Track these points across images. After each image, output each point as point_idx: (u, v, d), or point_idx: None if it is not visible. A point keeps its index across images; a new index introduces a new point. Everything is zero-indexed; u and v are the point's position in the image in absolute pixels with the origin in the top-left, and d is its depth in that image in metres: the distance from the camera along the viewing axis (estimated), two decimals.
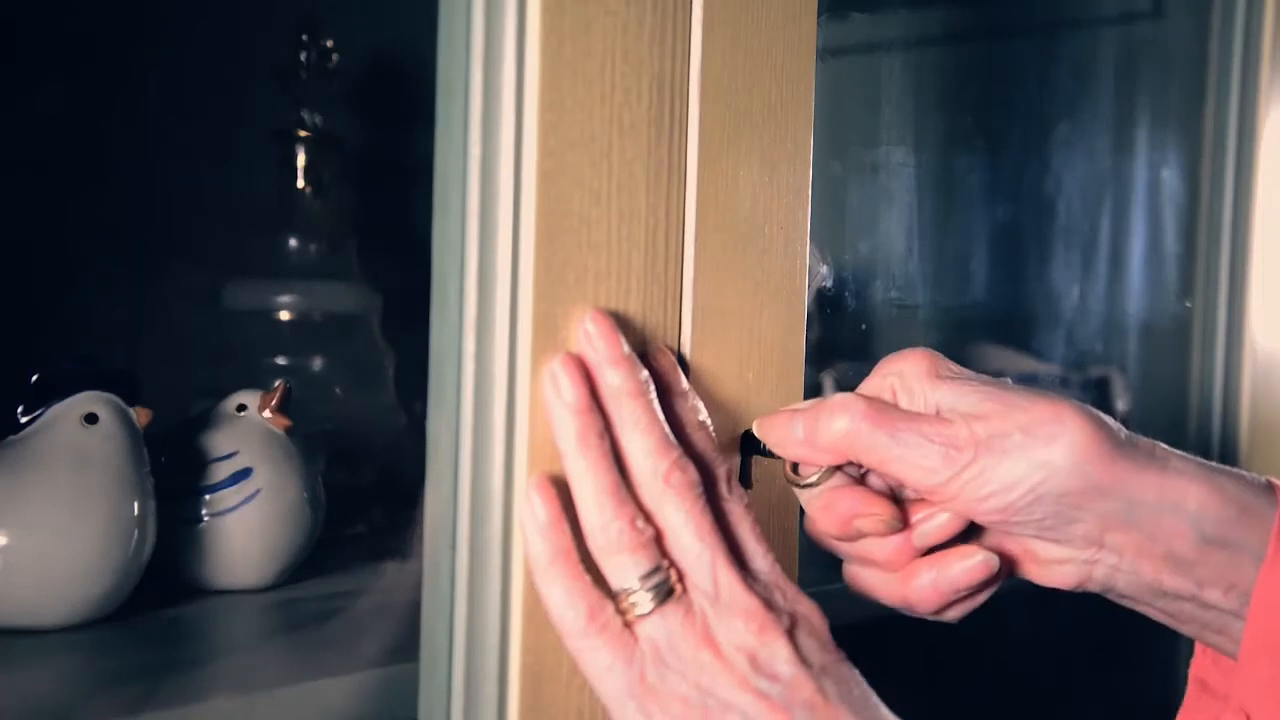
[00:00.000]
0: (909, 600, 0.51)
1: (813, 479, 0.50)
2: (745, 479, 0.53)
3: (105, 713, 0.46)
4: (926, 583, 0.51)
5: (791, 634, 0.44)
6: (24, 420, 0.57)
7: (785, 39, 0.54)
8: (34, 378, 0.58)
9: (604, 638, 0.43)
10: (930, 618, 0.53)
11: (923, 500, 0.51)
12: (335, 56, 0.84)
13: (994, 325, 1.20)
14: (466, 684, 0.45)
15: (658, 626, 0.44)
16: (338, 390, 0.82)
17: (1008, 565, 0.53)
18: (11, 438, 0.57)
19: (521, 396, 0.45)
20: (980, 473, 0.48)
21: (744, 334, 0.53)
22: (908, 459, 0.49)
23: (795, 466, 0.51)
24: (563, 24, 0.45)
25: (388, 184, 1.01)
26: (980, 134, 1.28)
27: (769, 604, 0.44)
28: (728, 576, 0.44)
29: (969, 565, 0.50)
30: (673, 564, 0.44)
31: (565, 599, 0.43)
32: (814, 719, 0.43)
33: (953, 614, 0.52)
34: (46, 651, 0.54)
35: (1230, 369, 1.05)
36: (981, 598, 0.52)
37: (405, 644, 0.56)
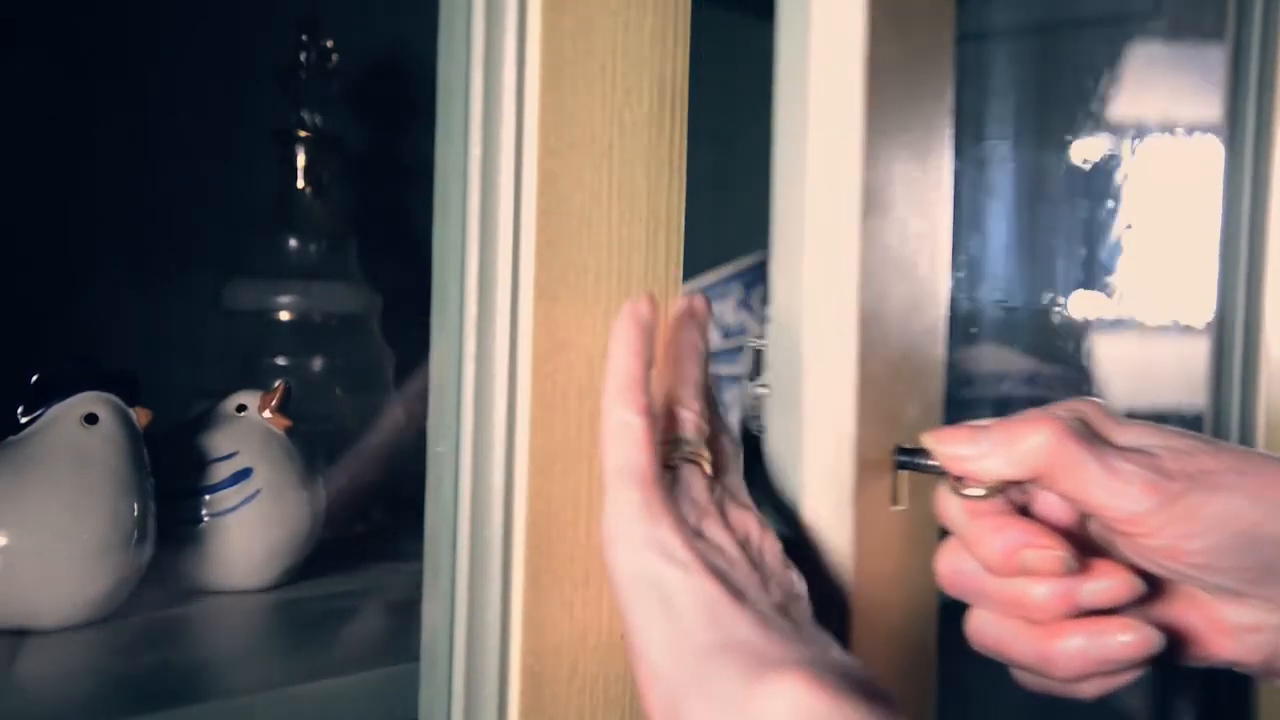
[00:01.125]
0: (1051, 660, 0.46)
1: (979, 491, 0.48)
2: (895, 497, 0.51)
3: (105, 713, 0.46)
4: (1075, 647, 0.46)
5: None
6: (24, 420, 0.57)
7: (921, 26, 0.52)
8: (34, 378, 0.58)
9: (650, 449, 0.44)
10: (1059, 686, 0.48)
11: (1101, 559, 0.47)
12: (335, 56, 0.84)
13: (996, 326, 1.19)
14: (467, 685, 0.45)
15: (685, 470, 0.45)
16: (338, 390, 0.82)
17: (1178, 641, 0.49)
18: (12, 438, 0.57)
19: (522, 397, 0.45)
20: (1189, 508, 0.45)
21: (892, 343, 0.51)
22: (1110, 485, 0.45)
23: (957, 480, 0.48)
24: (563, 24, 0.45)
25: (388, 184, 1.01)
26: (982, 133, 1.28)
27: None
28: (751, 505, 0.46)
29: (1129, 639, 0.46)
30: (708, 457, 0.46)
31: (633, 409, 0.44)
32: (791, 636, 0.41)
33: (1090, 688, 0.47)
34: (46, 651, 0.54)
35: (1247, 378, 1.04)
36: (1128, 677, 0.47)
37: (404, 644, 0.56)
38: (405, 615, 0.62)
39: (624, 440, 0.43)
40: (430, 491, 0.46)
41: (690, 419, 0.46)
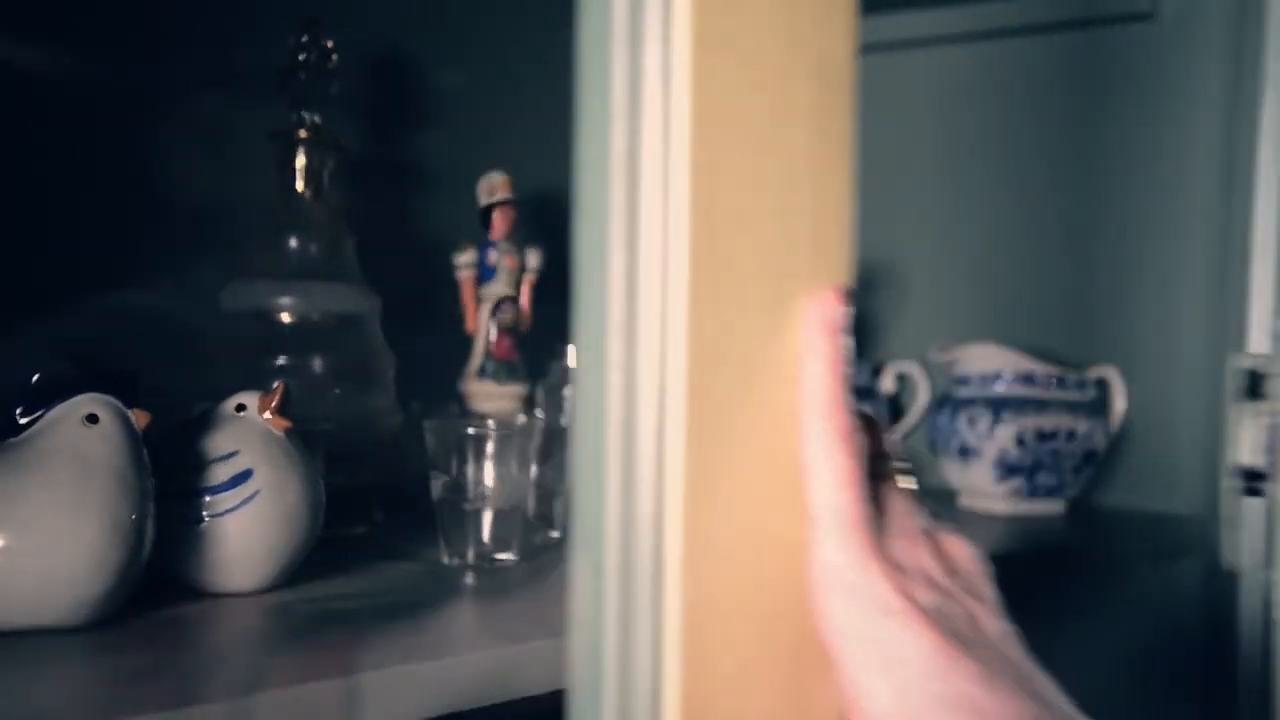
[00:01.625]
0: None
1: None
2: None
3: (105, 713, 0.46)
4: None
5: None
6: (24, 421, 0.57)
7: None
8: (34, 379, 0.58)
9: (858, 483, 0.43)
10: None
11: None
12: (335, 56, 0.84)
13: (1002, 324, 1.20)
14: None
15: (888, 490, 0.46)
16: (338, 390, 0.82)
17: None
18: (12, 439, 0.57)
19: (673, 406, 0.40)
20: None
21: None
22: None
23: None
24: (714, 1, 0.39)
25: (388, 184, 1.01)
26: (985, 132, 1.29)
27: None
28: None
29: None
30: None
31: (838, 434, 0.43)
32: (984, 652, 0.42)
33: None
34: (46, 651, 0.54)
35: None
36: None
37: (405, 645, 0.56)
38: (406, 616, 0.62)
39: (829, 472, 0.43)
40: (576, 518, 0.40)
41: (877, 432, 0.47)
